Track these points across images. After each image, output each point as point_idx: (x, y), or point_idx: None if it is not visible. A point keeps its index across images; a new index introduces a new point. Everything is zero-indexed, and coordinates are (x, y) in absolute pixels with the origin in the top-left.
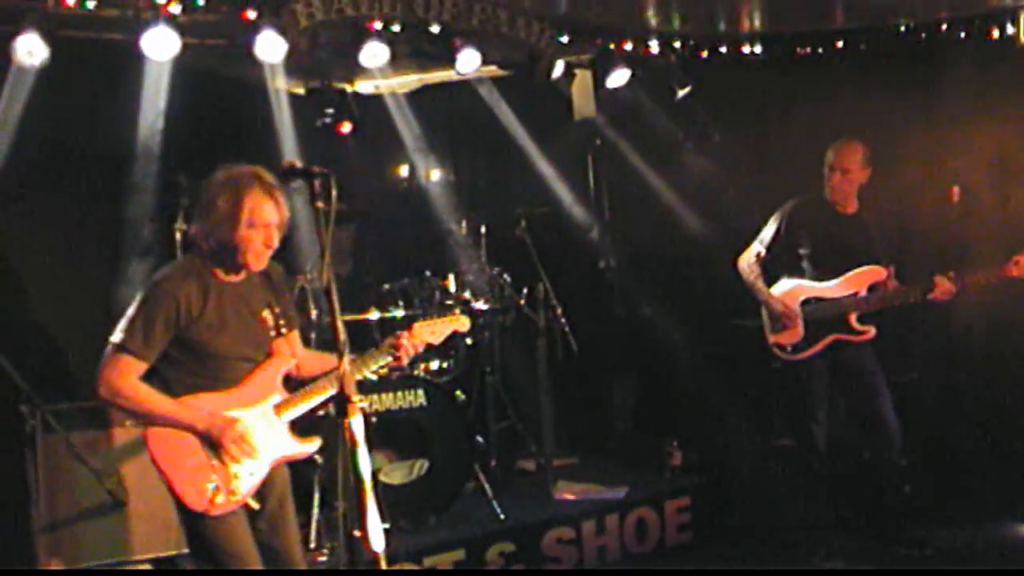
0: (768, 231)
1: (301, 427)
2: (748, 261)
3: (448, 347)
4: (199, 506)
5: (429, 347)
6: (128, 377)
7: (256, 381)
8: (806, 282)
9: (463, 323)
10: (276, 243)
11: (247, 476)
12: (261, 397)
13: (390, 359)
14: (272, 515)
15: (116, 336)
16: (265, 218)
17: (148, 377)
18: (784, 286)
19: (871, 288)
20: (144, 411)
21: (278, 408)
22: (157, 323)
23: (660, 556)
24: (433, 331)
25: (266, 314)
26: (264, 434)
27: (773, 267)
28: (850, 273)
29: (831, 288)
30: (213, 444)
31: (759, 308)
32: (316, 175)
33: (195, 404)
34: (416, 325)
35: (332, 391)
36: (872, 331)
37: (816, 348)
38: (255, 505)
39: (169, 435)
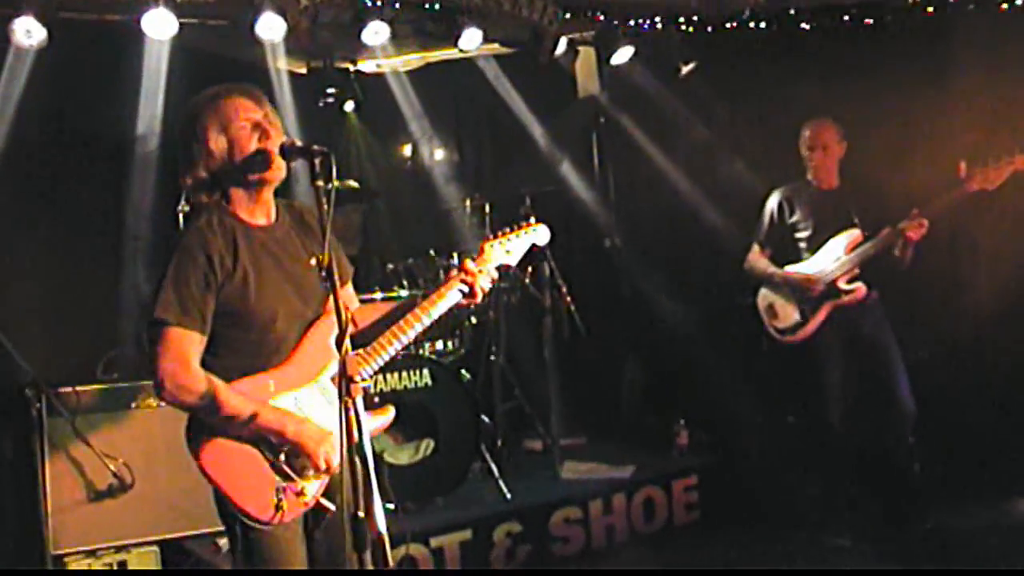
0: (762, 225)
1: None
2: (752, 258)
3: (454, 327)
4: (265, 515)
5: (506, 269)
6: (190, 362)
7: (309, 348)
8: (799, 266)
9: (542, 233)
10: (277, 138)
11: (315, 472)
12: (319, 368)
13: (460, 297)
14: (332, 521)
15: (151, 314)
16: (246, 112)
17: None
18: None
19: (851, 250)
20: (219, 410)
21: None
22: (191, 285)
23: (668, 536)
24: (508, 249)
25: (312, 261)
26: (330, 415)
27: (776, 257)
28: (828, 242)
29: (815, 262)
30: (279, 445)
31: (753, 292)
32: (316, 153)
33: (251, 392)
34: (485, 245)
35: (397, 345)
36: (862, 287)
37: (815, 322)
38: (330, 506)
39: (221, 444)
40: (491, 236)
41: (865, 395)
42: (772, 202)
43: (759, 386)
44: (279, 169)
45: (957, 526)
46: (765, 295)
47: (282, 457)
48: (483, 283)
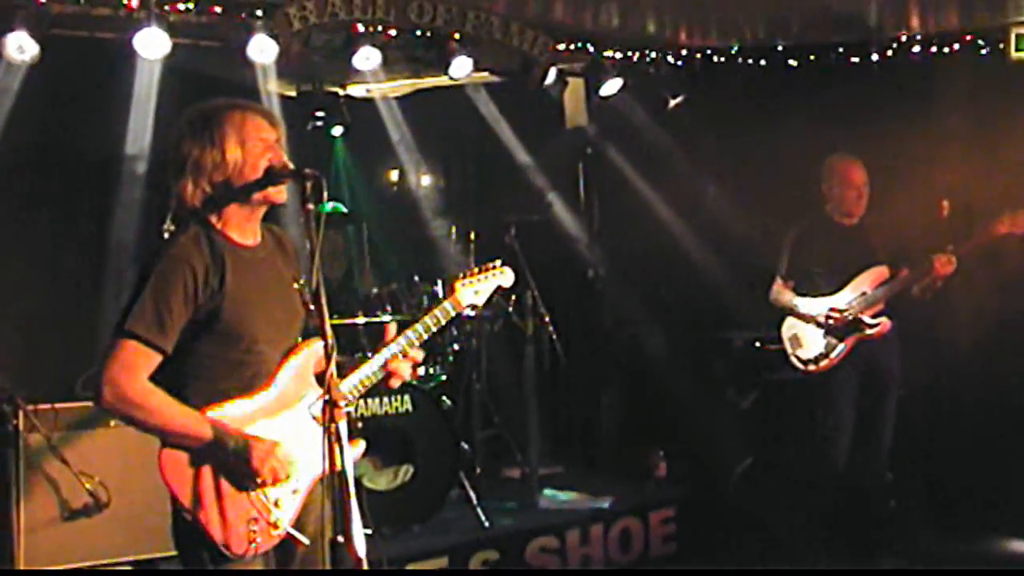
0: (783, 261)
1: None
2: (776, 290)
3: (435, 353)
4: (239, 548)
5: (473, 308)
6: (137, 375)
7: (288, 374)
8: (824, 300)
9: (507, 275)
10: (284, 159)
11: (289, 499)
12: (296, 395)
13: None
14: (306, 554)
15: (121, 321)
16: (263, 131)
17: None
18: (805, 306)
19: (878, 287)
20: (156, 422)
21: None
22: (172, 299)
23: (644, 567)
24: (476, 290)
25: (295, 286)
26: (306, 442)
27: (799, 291)
28: (855, 278)
29: (840, 298)
30: (239, 469)
31: (750, 321)
32: (307, 176)
33: (219, 417)
34: (456, 284)
35: (379, 370)
36: (887, 322)
37: (837, 355)
38: (305, 541)
39: (186, 462)
40: (461, 275)
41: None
42: (792, 238)
43: (739, 418)
44: (283, 191)
45: (932, 563)
46: (791, 325)
47: (256, 489)
48: (403, 371)
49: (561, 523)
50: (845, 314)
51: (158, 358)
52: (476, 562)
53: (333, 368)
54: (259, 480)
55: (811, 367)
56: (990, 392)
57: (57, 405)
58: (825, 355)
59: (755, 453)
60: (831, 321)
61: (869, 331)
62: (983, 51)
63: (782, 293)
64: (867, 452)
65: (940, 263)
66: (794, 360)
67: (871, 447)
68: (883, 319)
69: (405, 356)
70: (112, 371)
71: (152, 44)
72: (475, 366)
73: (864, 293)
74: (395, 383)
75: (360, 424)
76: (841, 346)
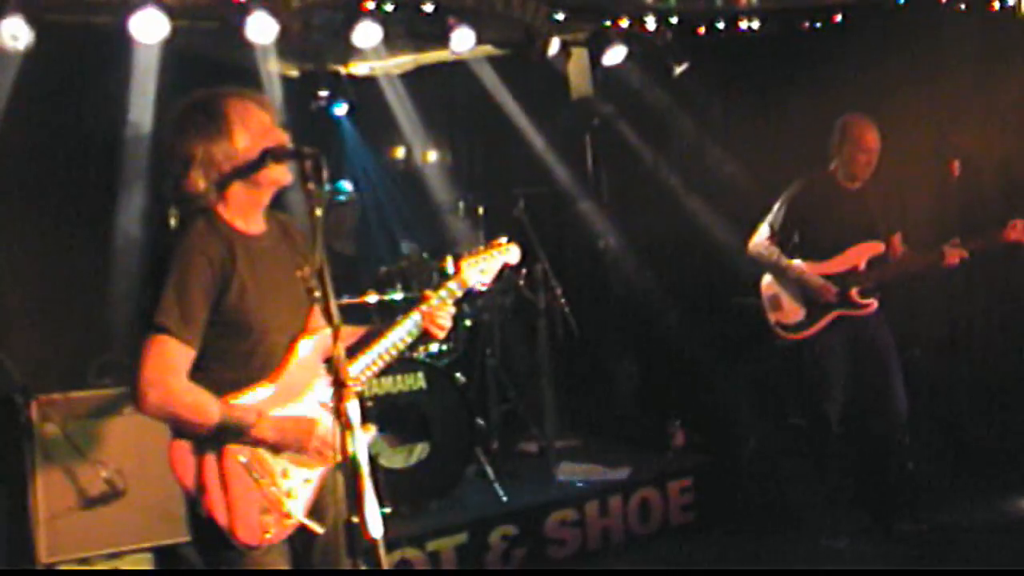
0: (778, 213)
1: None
2: (762, 244)
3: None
4: (253, 539)
5: (483, 287)
6: (179, 372)
7: (297, 361)
8: (814, 265)
9: (512, 252)
10: (282, 139)
11: (301, 488)
12: (306, 383)
13: (416, 331)
14: (327, 542)
15: (149, 317)
16: (261, 117)
17: None
18: (793, 268)
19: (870, 263)
20: (200, 420)
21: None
22: (194, 291)
23: (664, 537)
24: (482, 269)
25: (300, 273)
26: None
27: (787, 250)
28: (848, 249)
29: (830, 265)
30: (254, 456)
31: (758, 286)
32: (306, 155)
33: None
34: (462, 263)
35: (383, 355)
36: (874, 304)
37: (819, 325)
38: (318, 529)
39: (193, 454)
40: (466, 254)
41: (860, 396)
42: (792, 193)
43: (755, 386)
44: (286, 171)
45: (952, 525)
46: (770, 284)
47: (269, 479)
48: (442, 320)
49: (579, 495)
50: (834, 289)
51: (192, 353)
52: (495, 537)
53: (341, 351)
54: (314, 459)
55: (788, 333)
56: (1007, 352)
57: (70, 395)
58: (806, 325)
59: (769, 420)
60: (818, 293)
61: (855, 310)
62: (994, 6)
63: (770, 249)
64: (881, 418)
65: (950, 256)
66: (772, 322)
67: (884, 413)
68: (872, 300)
69: (433, 317)
70: (150, 371)
71: (149, 27)
72: (488, 341)
73: (855, 268)
74: (439, 334)
75: (371, 404)
76: (823, 319)
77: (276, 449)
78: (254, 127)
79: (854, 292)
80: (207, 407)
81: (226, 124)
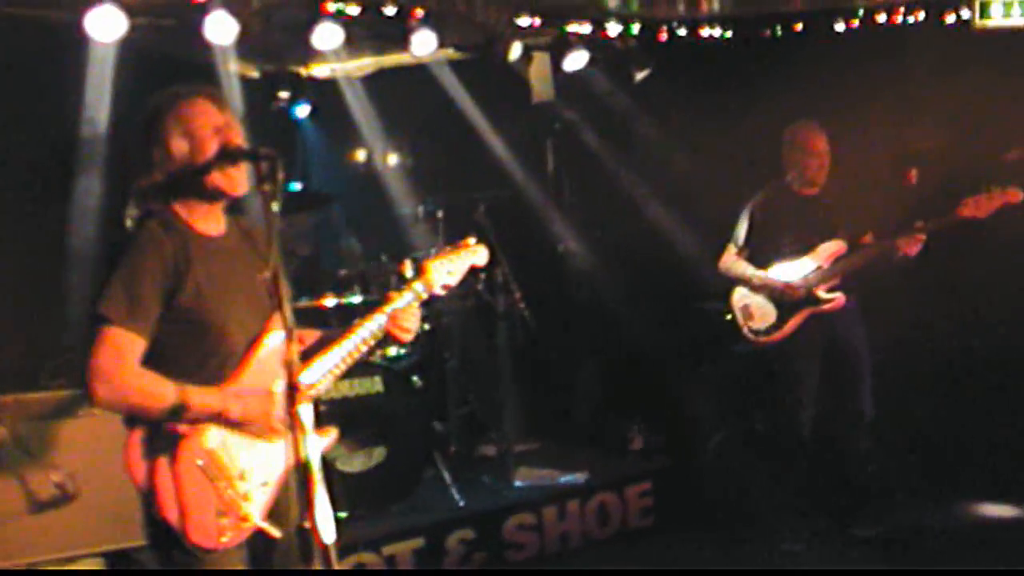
0: (740, 228)
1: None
2: (730, 259)
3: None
4: (209, 542)
5: (446, 289)
6: (126, 359)
7: (257, 362)
8: (778, 270)
9: (480, 253)
10: (237, 141)
11: (259, 490)
12: (266, 383)
13: (379, 332)
14: (287, 546)
15: (94, 308)
16: (209, 115)
17: None
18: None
19: (835, 261)
20: (154, 404)
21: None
22: (144, 284)
23: (622, 541)
24: (449, 270)
25: (260, 276)
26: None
27: (755, 261)
28: (812, 251)
29: (796, 268)
30: (211, 458)
31: (722, 291)
32: (262, 157)
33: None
34: (427, 265)
35: (344, 358)
36: (841, 298)
37: (790, 326)
38: (275, 533)
39: (147, 457)
40: (432, 255)
41: (829, 399)
42: (754, 204)
43: (716, 390)
44: (240, 180)
45: (910, 528)
46: (742, 296)
47: (226, 481)
48: (408, 323)
49: (538, 500)
50: (799, 288)
51: (142, 343)
52: (453, 541)
53: (294, 354)
54: (268, 430)
55: (761, 338)
56: (964, 354)
57: (22, 396)
58: (777, 327)
59: (729, 425)
60: (784, 295)
61: (823, 306)
62: (949, 19)
63: (736, 262)
64: (844, 422)
65: (906, 241)
66: (746, 331)
67: (848, 417)
68: (838, 294)
69: (395, 322)
70: (98, 361)
71: (106, 24)
72: (448, 345)
73: (819, 267)
74: (406, 337)
75: (326, 408)
76: (792, 319)
77: (240, 425)
78: (198, 131)
79: (819, 290)
80: (161, 389)
81: (162, 130)
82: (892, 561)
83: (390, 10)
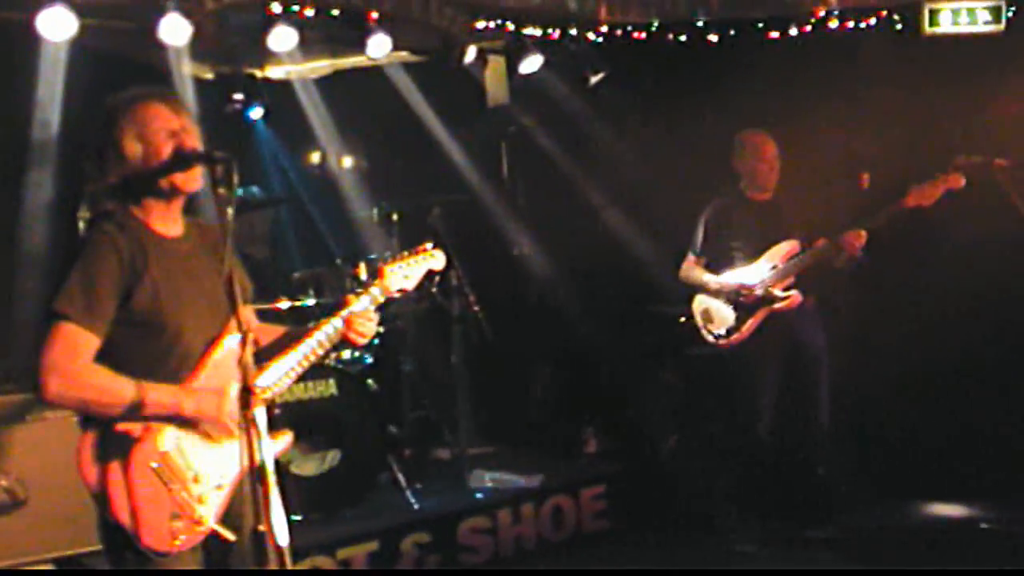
0: (696, 236)
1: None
2: (687, 267)
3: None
4: (162, 544)
5: (403, 294)
6: (79, 355)
7: (214, 363)
8: (735, 273)
9: (438, 258)
10: (192, 143)
11: (213, 493)
12: (223, 385)
13: (336, 337)
14: (243, 549)
15: (51, 305)
16: (164, 119)
17: None
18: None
19: (789, 260)
20: (110, 400)
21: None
22: (100, 282)
23: (577, 544)
24: (406, 275)
25: (220, 278)
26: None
27: (713, 267)
28: (767, 253)
29: (753, 272)
30: (166, 461)
31: (677, 295)
32: (218, 159)
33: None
34: (385, 269)
35: (300, 362)
36: (797, 296)
37: (749, 327)
38: (230, 536)
39: (100, 460)
40: (390, 259)
41: (786, 404)
42: (708, 213)
43: (670, 393)
44: (194, 177)
45: (861, 529)
46: (701, 300)
47: (180, 484)
48: (365, 327)
49: (492, 503)
50: (754, 289)
51: (96, 341)
52: (407, 544)
53: (249, 356)
54: (222, 429)
55: (722, 341)
56: (915, 355)
57: None
58: (736, 328)
59: (684, 428)
60: (740, 297)
61: (778, 304)
62: (899, 26)
63: (693, 270)
64: (803, 426)
65: (849, 237)
66: (706, 335)
67: (806, 422)
68: (793, 292)
69: (351, 326)
70: (51, 356)
71: (57, 24)
72: (402, 348)
73: (775, 267)
74: (361, 341)
75: (280, 411)
76: (751, 320)
77: (194, 423)
78: (152, 134)
79: (775, 288)
80: (118, 386)
81: (116, 132)
82: (846, 562)
83: (346, 13)
